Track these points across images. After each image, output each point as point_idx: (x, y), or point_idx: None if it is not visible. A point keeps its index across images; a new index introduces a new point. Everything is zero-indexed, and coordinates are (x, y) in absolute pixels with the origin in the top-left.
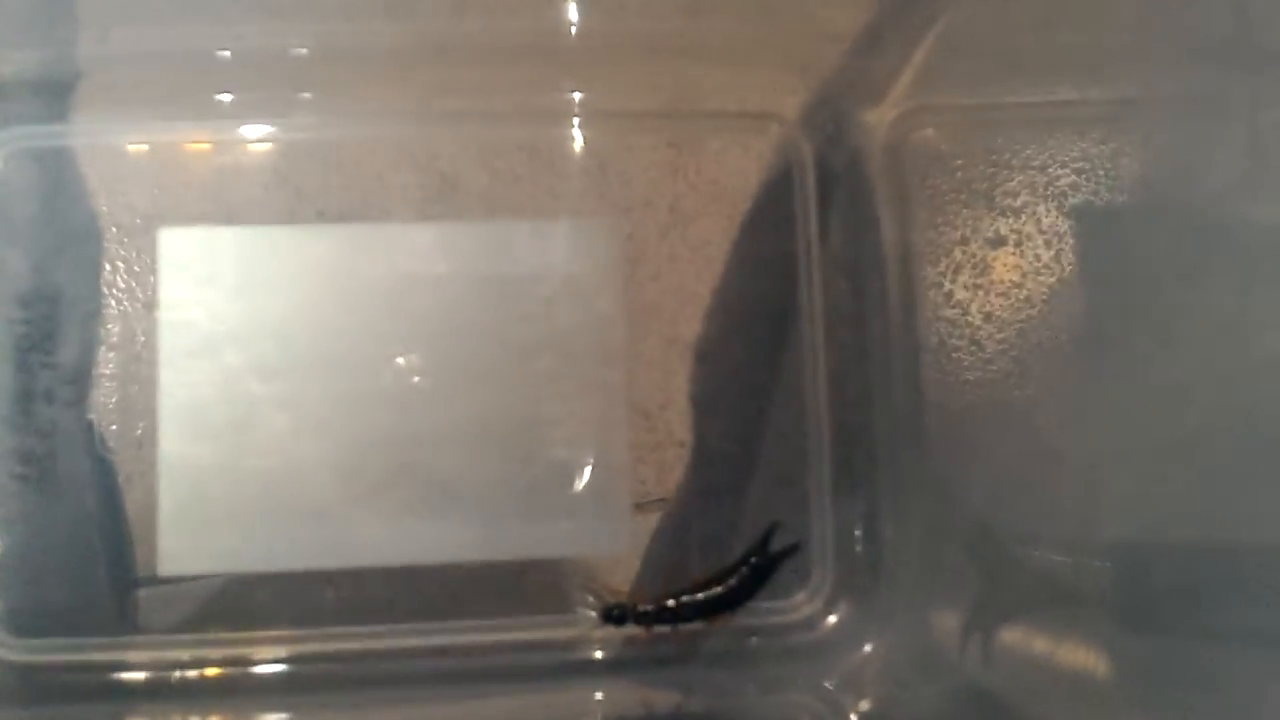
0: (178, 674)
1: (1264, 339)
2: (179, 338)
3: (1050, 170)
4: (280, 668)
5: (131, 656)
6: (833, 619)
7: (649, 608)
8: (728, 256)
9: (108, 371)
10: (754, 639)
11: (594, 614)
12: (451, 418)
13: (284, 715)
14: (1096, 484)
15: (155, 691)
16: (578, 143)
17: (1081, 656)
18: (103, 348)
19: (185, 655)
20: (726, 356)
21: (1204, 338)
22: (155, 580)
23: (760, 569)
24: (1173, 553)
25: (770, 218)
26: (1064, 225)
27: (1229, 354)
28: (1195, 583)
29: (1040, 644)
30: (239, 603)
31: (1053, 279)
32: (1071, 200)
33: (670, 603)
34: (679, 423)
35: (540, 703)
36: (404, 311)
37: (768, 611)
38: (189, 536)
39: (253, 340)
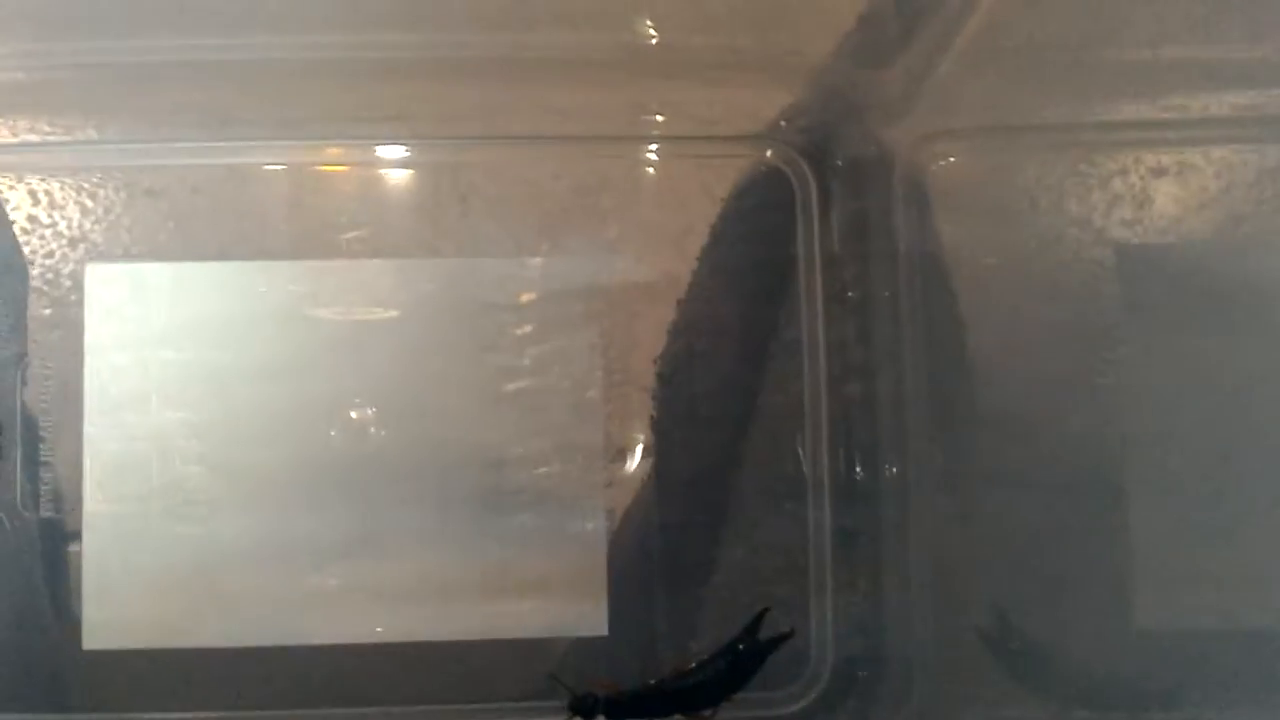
0: None
1: None
2: (106, 387)
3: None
4: None
5: None
6: (828, 717)
7: (623, 698)
8: (732, 295)
9: (32, 424)
10: None
11: (564, 704)
12: (410, 481)
13: None
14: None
15: None
16: (557, 169)
17: None
18: (26, 396)
19: None
20: (718, 411)
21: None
22: (80, 655)
23: (747, 657)
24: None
25: (770, 247)
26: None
27: None
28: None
29: None
30: (170, 683)
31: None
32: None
33: (647, 694)
34: (664, 484)
35: None
36: (357, 359)
37: (756, 705)
38: (116, 608)
39: (187, 390)
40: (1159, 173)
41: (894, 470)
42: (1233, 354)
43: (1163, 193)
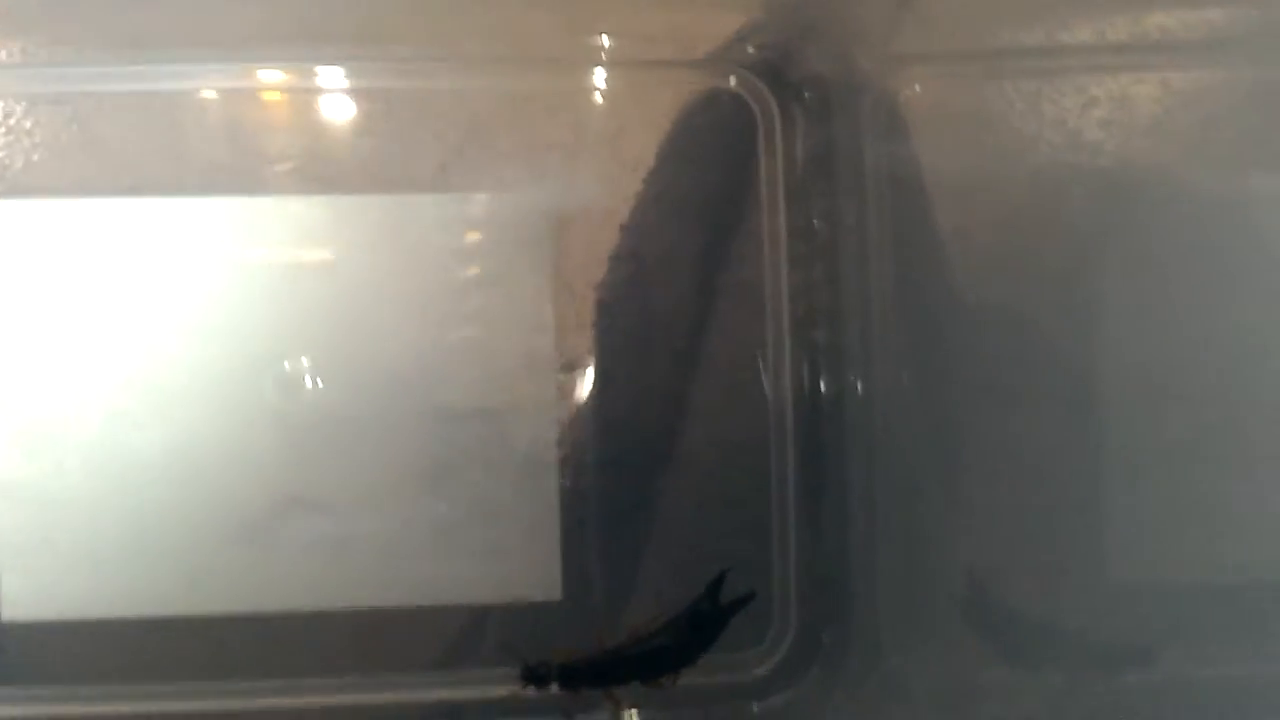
0: None
1: None
2: (16, 338)
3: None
4: None
5: None
6: (792, 684)
7: (579, 666)
8: (682, 225)
9: None
10: (698, 703)
11: (516, 672)
12: (349, 436)
13: None
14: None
15: None
16: (501, 95)
17: None
18: None
19: (27, 714)
20: (678, 335)
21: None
22: None
23: (708, 622)
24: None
25: (733, 173)
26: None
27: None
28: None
29: None
30: (93, 654)
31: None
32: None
33: (604, 661)
34: (615, 435)
35: None
36: (291, 305)
37: (716, 670)
38: (34, 576)
39: (105, 341)
40: (1135, 95)
41: (862, 420)
42: (1218, 286)
43: (1141, 114)
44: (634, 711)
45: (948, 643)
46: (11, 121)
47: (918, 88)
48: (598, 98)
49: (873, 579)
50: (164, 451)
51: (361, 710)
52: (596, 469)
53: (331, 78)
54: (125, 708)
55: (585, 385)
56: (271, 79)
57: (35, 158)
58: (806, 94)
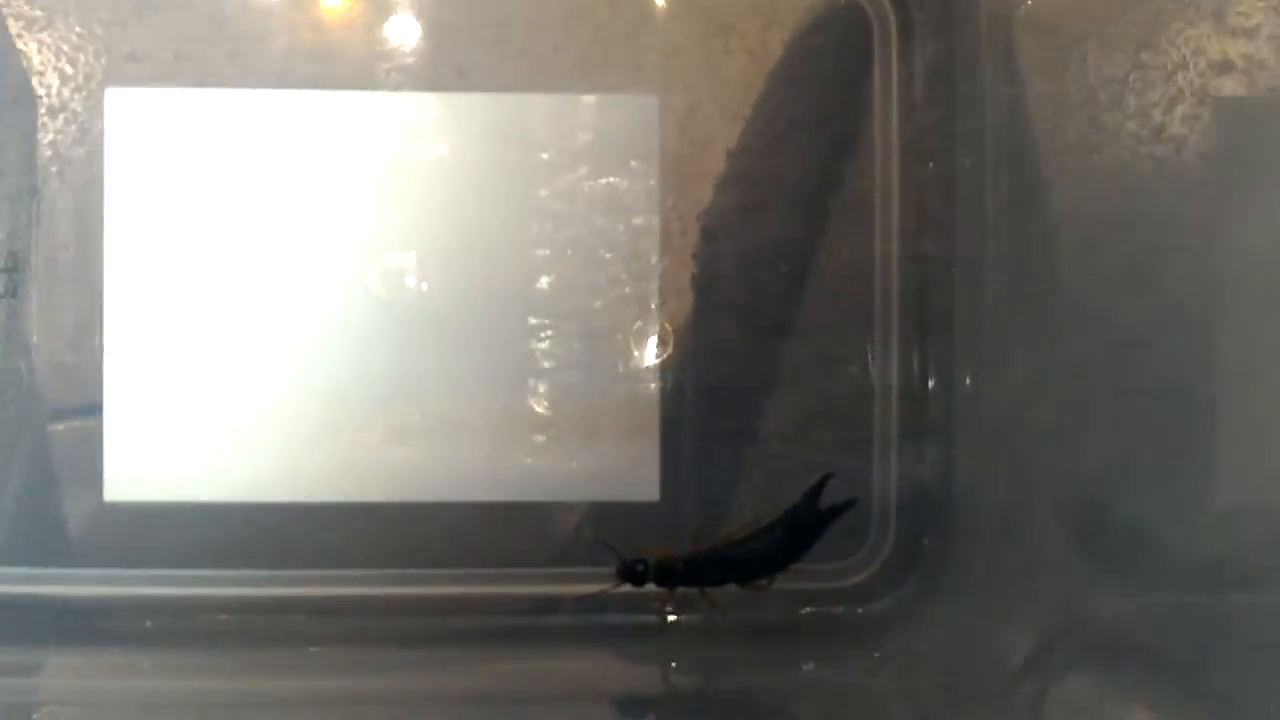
0: (126, 617)
1: None
2: (129, 223)
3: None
4: (240, 615)
5: (68, 591)
6: (890, 592)
7: (675, 565)
8: (793, 147)
9: (45, 262)
10: (795, 610)
11: (612, 570)
12: (450, 331)
13: (240, 671)
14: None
15: (92, 633)
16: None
17: None
18: (38, 232)
19: (129, 593)
20: (784, 259)
21: None
22: (100, 507)
23: (806, 527)
24: None
25: (846, 90)
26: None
27: None
28: None
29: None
30: (194, 538)
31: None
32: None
33: (700, 562)
34: (718, 344)
35: (541, 672)
36: (399, 200)
37: (813, 577)
38: (139, 459)
39: (216, 228)
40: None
41: (969, 332)
42: None
43: None
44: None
45: (1049, 559)
46: (135, 14)
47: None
48: (708, 6)
49: (976, 494)
50: (268, 339)
51: (459, 601)
52: (697, 378)
53: None
54: (223, 591)
55: (687, 305)
56: None
57: (159, 51)
58: (925, 6)
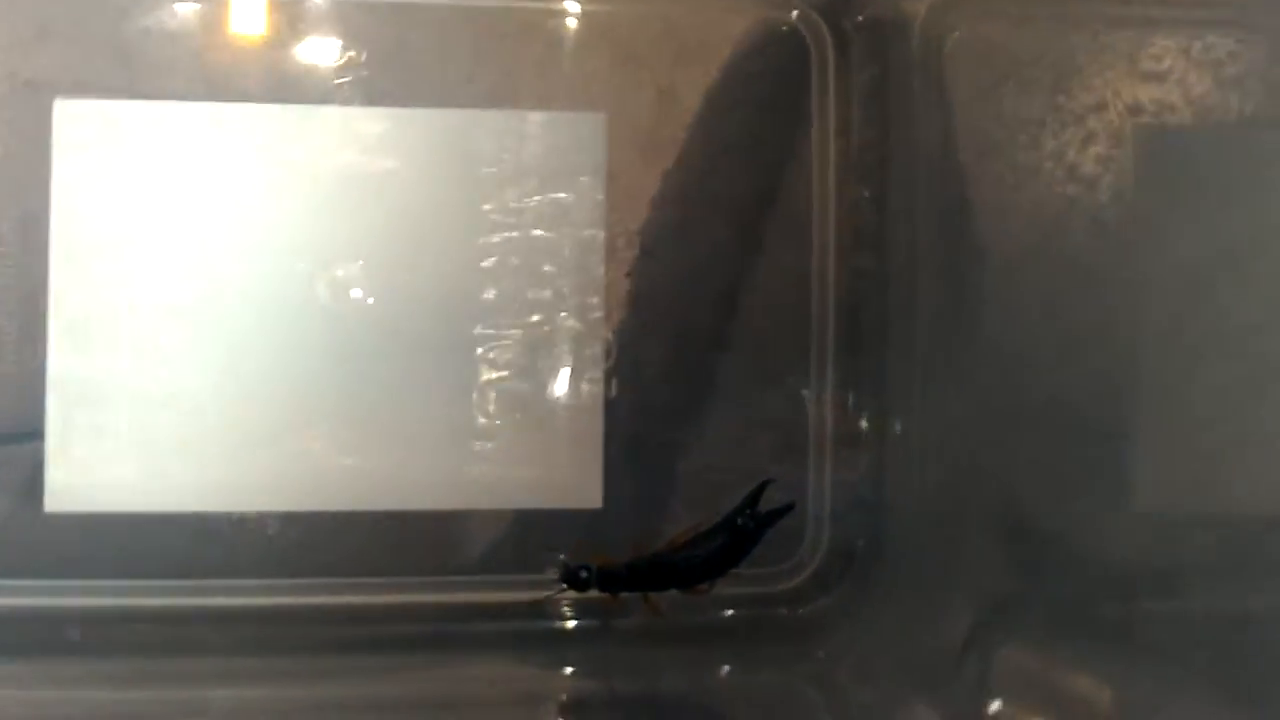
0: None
1: None
2: (74, 232)
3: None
4: (182, 626)
5: (10, 602)
6: (825, 596)
7: (618, 570)
8: (730, 166)
9: None
10: (735, 612)
11: (554, 576)
12: (397, 341)
13: (179, 680)
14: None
15: (28, 646)
16: (556, 22)
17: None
18: None
19: (68, 604)
20: (720, 275)
21: None
22: (40, 518)
23: (746, 531)
24: None
25: (782, 111)
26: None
27: None
28: None
29: (1063, 675)
30: (136, 548)
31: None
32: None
33: (642, 567)
34: (658, 356)
35: (482, 677)
36: (345, 213)
37: (749, 581)
38: (80, 468)
39: (163, 238)
40: (1185, 52)
41: (902, 348)
42: (1247, 239)
43: (1191, 74)
44: None
45: (978, 560)
46: (84, 24)
47: (963, 30)
48: (653, 24)
49: (907, 499)
50: (214, 348)
51: (401, 608)
52: (639, 389)
53: None
54: (163, 602)
55: (629, 318)
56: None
57: (102, 61)
58: (861, 31)
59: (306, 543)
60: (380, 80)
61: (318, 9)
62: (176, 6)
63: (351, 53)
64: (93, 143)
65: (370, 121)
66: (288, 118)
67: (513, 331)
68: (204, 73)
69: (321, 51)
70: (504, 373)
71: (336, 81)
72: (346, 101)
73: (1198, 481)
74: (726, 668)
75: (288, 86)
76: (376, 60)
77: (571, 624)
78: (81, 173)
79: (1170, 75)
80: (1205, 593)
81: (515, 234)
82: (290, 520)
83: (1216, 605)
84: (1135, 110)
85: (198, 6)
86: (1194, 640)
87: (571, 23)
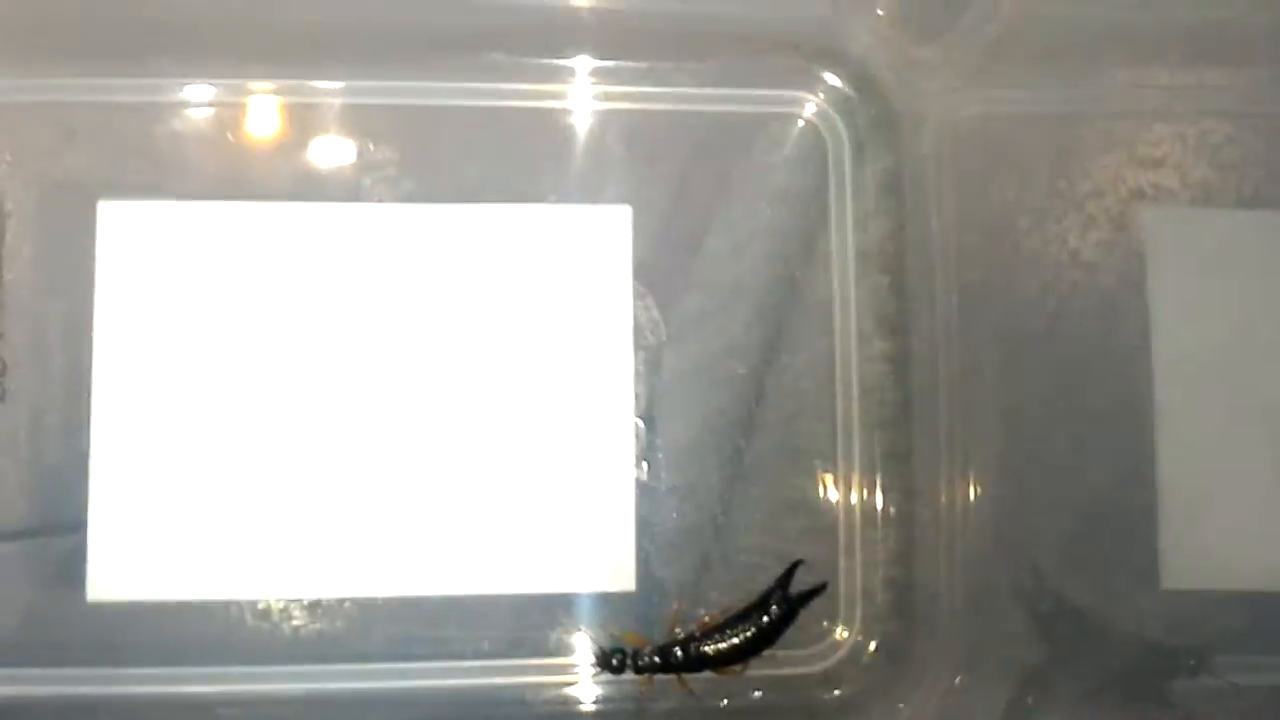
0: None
1: None
2: (117, 328)
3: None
4: (224, 710)
5: (51, 690)
6: (858, 675)
7: (652, 655)
8: (750, 247)
9: (33, 367)
10: (769, 694)
11: (589, 660)
12: (430, 431)
13: None
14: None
15: None
16: (584, 119)
17: None
18: (29, 336)
19: (108, 693)
20: (745, 360)
21: None
22: (82, 607)
23: (779, 613)
24: None
25: (801, 202)
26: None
27: None
28: None
29: None
30: (177, 635)
31: None
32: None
33: (677, 650)
34: (687, 440)
35: None
36: (381, 306)
37: (785, 662)
38: (122, 559)
39: (202, 333)
40: (1186, 140)
41: (927, 423)
42: (1262, 315)
43: (1193, 162)
44: None
45: (1009, 637)
46: (127, 130)
47: (968, 126)
48: (673, 118)
49: (937, 578)
50: (255, 438)
51: (434, 693)
52: (670, 473)
53: (426, 94)
54: (205, 689)
55: (657, 404)
56: (370, 91)
57: (131, 163)
58: (875, 124)
59: (344, 628)
60: (407, 178)
61: (343, 110)
62: (202, 110)
63: (383, 153)
64: (136, 241)
65: (402, 218)
66: (324, 216)
67: (546, 419)
68: (231, 173)
69: (355, 151)
70: (537, 460)
71: (369, 180)
72: (380, 199)
73: (1226, 558)
74: None
75: (320, 186)
76: (403, 159)
77: (606, 707)
78: (125, 271)
79: (1168, 160)
80: (1238, 666)
81: (544, 323)
82: (328, 606)
83: (1249, 679)
84: (1137, 194)
85: (223, 111)
86: (1226, 713)
87: (593, 119)
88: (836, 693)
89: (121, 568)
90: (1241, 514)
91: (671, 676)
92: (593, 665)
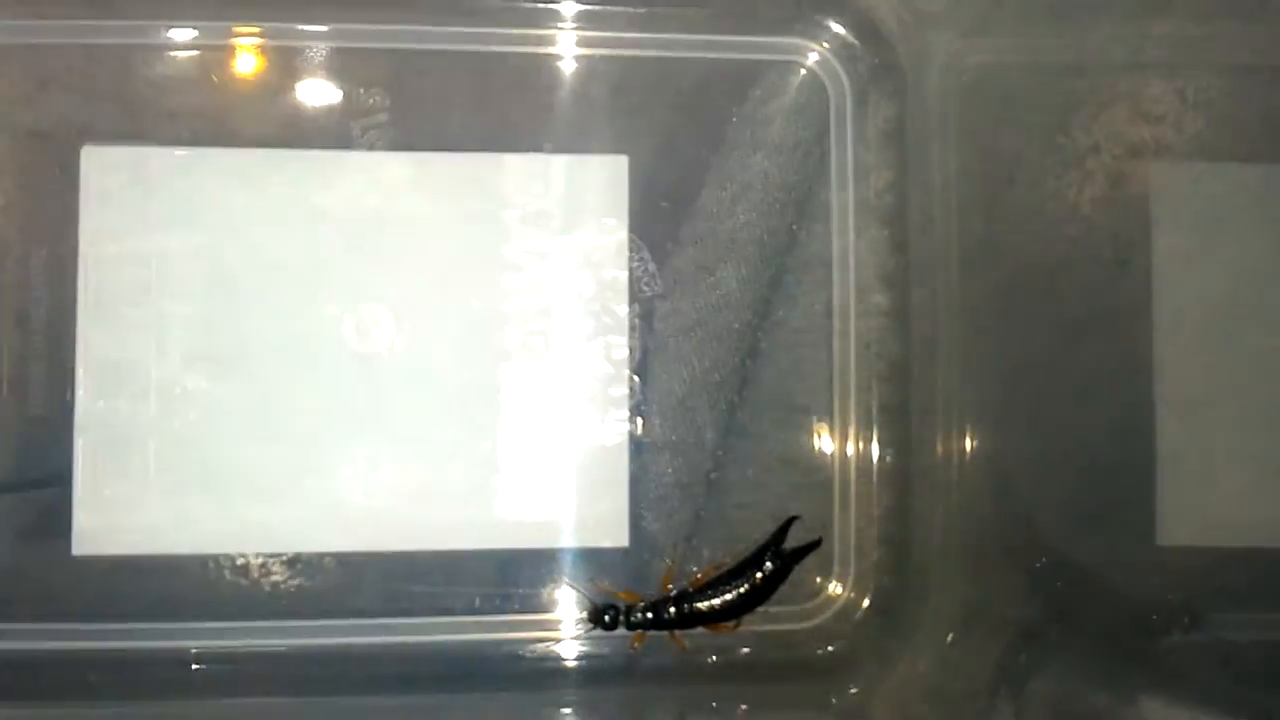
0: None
1: None
2: (101, 276)
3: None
4: (210, 665)
5: (36, 645)
6: (851, 631)
7: (645, 611)
8: (744, 199)
9: (22, 316)
10: (762, 650)
11: (583, 615)
12: (422, 382)
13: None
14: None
15: (62, 686)
16: (579, 65)
17: None
18: (11, 285)
19: (94, 647)
20: (741, 314)
21: None
22: (68, 560)
23: (774, 568)
24: None
25: (800, 153)
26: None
27: None
28: None
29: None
30: (164, 589)
31: None
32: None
33: (670, 606)
34: (681, 395)
35: (508, 716)
36: (371, 257)
37: (778, 618)
38: (108, 512)
39: (188, 282)
40: (1186, 94)
41: (923, 384)
42: (1264, 268)
43: (1193, 116)
44: None
45: (1003, 593)
46: (114, 74)
47: (971, 76)
48: (672, 69)
49: (931, 534)
50: (240, 391)
51: (424, 648)
52: (663, 428)
53: (417, 39)
54: (191, 643)
55: (652, 359)
56: (359, 36)
57: (134, 109)
58: (878, 74)
59: (332, 583)
60: (395, 125)
61: (338, 54)
62: (180, 55)
63: (374, 99)
64: (120, 188)
65: (394, 166)
66: (314, 163)
67: (537, 372)
68: (211, 120)
69: (344, 98)
70: (530, 414)
71: (360, 127)
72: (371, 147)
73: (1223, 515)
74: (753, 706)
75: (309, 133)
76: (393, 104)
77: (597, 663)
78: (108, 218)
79: (1169, 115)
80: (1233, 624)
81: (539, 275)
82: (315, 560)
83: (1244, 635)
84: (1138, 149)
85: (206, 54)
86: (1222, 669)
87: (592, 68)
88: (829, 649)
89: (108, 522)
90: (1239, 471)
91: (663, 633)
92: (585, 621)
